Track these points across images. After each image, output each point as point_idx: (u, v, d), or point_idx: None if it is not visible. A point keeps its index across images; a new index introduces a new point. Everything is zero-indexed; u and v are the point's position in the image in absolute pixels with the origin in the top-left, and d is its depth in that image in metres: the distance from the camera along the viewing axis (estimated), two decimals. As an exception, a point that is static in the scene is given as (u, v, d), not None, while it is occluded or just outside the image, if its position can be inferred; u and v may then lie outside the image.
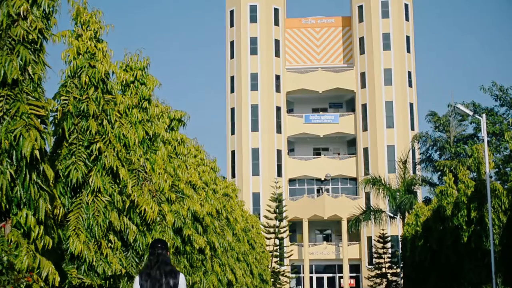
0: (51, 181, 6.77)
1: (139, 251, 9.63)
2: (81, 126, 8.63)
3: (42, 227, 6.48)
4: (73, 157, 8.43)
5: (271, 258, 50.62)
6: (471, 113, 20.19)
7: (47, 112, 6.82)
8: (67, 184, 8.33)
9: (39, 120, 6.72)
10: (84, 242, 7.96)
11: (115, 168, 8.65)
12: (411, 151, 52.11)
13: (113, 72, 9.41)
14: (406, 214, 41.25)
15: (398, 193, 43.15)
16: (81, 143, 8.55)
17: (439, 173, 44.46)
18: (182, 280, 6.89)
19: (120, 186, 9.00)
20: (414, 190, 44.49)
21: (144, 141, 10.86)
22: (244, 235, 23.23)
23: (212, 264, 14.74)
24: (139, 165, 10.46)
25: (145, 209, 9.80)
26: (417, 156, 53.65)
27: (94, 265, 8.00)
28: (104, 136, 8.71)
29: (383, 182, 44.35)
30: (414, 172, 53.35)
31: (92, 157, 8.53)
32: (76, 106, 8.68)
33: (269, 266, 47.60)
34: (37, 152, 6.43)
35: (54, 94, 8.90)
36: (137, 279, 6.85)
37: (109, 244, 8.35)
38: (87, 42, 9.03)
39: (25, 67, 6.78)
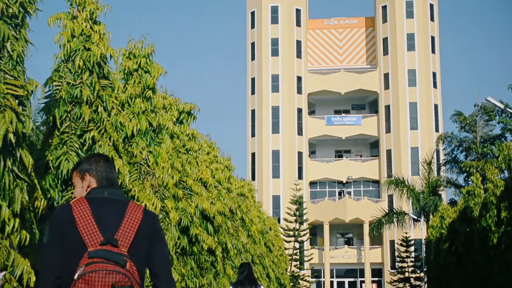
0: (29, 169, 6.05)
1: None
2: (74, 113, 7.92)
3: (17, 220, 5.76)
4: (65, 146, 7.72)
5: (290, 261, 49.73)
6: (502, 105, 19.22)
7: (26, 93, 6.12)
8: (58, 176, 7.61)
9: (16, 101, 6.02)
10: (74, 239, 7.22)
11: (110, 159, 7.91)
12: (435, 152, 50.87)
13: (111, 56, 8.68)
14: (431, 216, 40.09)
15: (422, 195, 42.01)
16: (73, 131, 7.83)
17: (465, 174, 43.19)
18: None
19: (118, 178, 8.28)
20: (439, 192, 43.30)
21: (147, 133, 10.11)
22: (260, 237, 22.41)
23: (224, 266, 13.96)
24: (141, 158, 9.72)
25: (146, 205, 9.06)
26: (442, 157, 52.39)
27: (85, 264, 7.27)
28: (98, 124, 7.99)
29: (406, 183, 43.24)
30: (438, 174, 52.06)
31: (85, 147, 7.81)
32: (69, 92, 7.99)
33: (288, 270, 46.73)
34: (11, 136, 5.71)
35: (46, 79, 8.23)
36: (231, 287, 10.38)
37: (103, 242, 7.62)
38: (82, 23, 8.34)
39: (4, 43, 6.11)
